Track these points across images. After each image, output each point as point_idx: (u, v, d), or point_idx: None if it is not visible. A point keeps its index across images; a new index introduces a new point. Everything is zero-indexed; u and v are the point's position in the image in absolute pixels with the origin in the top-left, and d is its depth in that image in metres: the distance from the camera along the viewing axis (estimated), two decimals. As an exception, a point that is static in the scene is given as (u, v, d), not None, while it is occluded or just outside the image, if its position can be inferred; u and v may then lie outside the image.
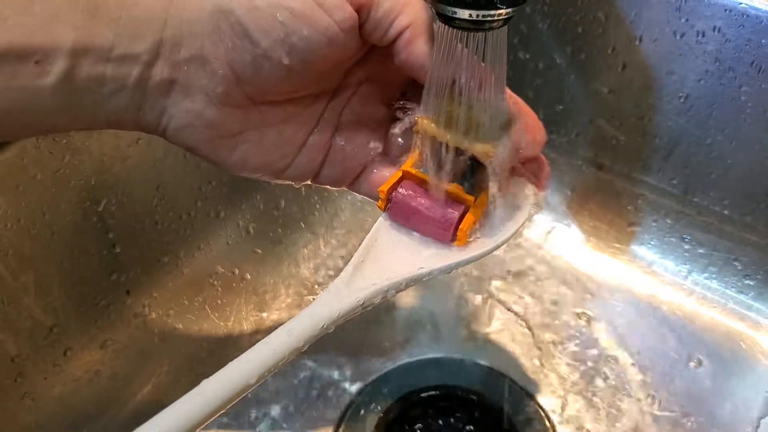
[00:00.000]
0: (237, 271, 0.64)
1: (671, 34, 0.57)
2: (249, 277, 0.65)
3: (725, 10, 0.54)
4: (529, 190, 0.39)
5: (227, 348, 0.62)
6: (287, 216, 0.68)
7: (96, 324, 0.55)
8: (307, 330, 0.33)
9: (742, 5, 0.53)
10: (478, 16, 0.32)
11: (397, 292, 0.36)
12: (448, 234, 0.37)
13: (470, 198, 0.37)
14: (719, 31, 0.55)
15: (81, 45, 0.32)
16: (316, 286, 0.67)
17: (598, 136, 0.66)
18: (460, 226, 0.36)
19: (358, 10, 0.34)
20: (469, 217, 0.37)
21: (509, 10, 0.32)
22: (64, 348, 0.53)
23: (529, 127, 0.37)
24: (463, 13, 0.32)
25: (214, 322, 0.62)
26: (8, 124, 0.33)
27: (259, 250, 0.66)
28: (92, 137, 0.50)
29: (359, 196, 0.73)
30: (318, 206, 0.71)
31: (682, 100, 0.60)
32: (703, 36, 0.56)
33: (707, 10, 0.55)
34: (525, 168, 0.38)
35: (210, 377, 0.31)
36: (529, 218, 0.38)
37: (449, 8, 0.32)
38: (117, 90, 0.33)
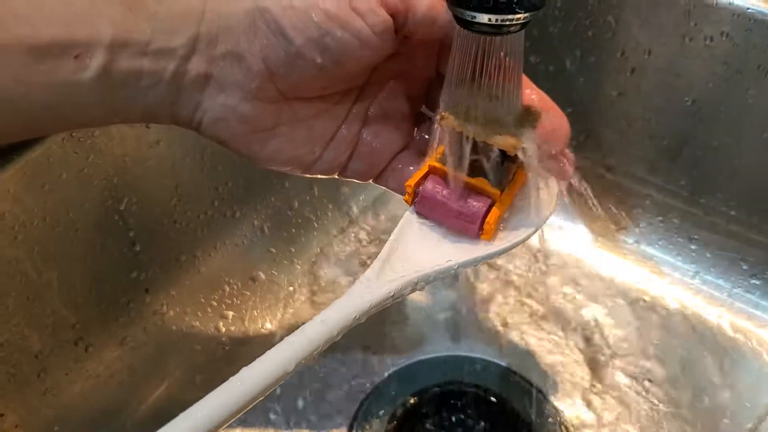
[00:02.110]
0: (252, 270, 0.65)
1: (680, 38, 0.58)
2: (263, 276, 0.66)
3: (733, 14, 0.55)
4: (554, 184, 0.39)
5: (243, 346, 0.63)
6: (301, 216, 0.69)
7: (117, 321, 0.56)
8: (341, 320, 0.33)
9: (750, 10, 0.54)
10: (497, 20, 0.32)
11: (426, 284, 0.37)
12: (474, 227, 0.37)
13: (496, 192, 0.37)
14: (727, 35, 0.56)
15: (119, 39, 0.32)
16: (329, 285, 0.68)
17: (607, 137, 0.67)
18: (487, 220, 0.37)
19: (394, 15, 0.34)
20: (495, 211, 0.37)
21: (527, 14, 0.32)
22: (86, 345, 0.54)
23: (555, 122, 0.37)
24: (483, 18, 0.32)
25: (229, 321, 0.63)
26: (49, 119, 0.33)
27: (274, 250, 0.67)
28: (114, 139, 0.51)
29: (370, 198, 0.74)
30: (330, 207, 0.72)
31: (689, 102, 0.61)
32: (711, 40, 0.57)
33: (715, 15, 0.56)
34: (550, 162, 0.38)
35: (249, 365, 0.31)
36: (554, 212, 0.39)
37: (468, 13, 0.32)
38: (153, 84, 0.34)
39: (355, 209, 0.73)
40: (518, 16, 0.32)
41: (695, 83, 0.60)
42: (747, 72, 0.57)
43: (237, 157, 0.60)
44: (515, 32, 0.33)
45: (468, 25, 0.33)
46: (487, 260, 0.38)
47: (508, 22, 0.32)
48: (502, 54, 0.34)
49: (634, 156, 0.66)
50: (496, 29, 0.33)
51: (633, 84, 0.63)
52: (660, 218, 0.68)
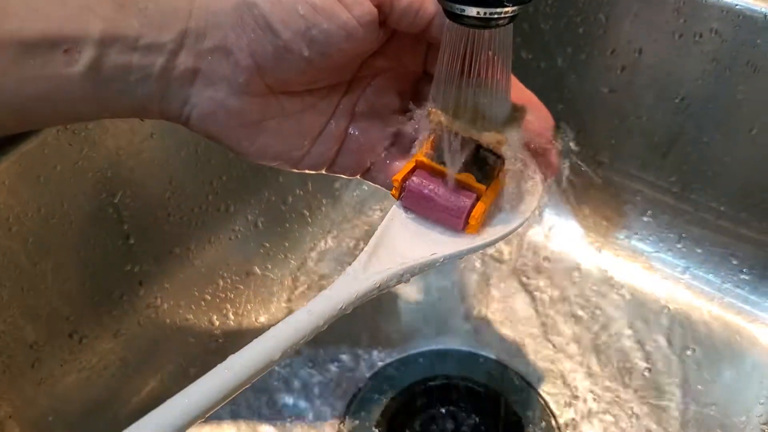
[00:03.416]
0: (245, 264, 0.66)
1: (670, 35, 0.59)
2: (257, 270, 0.66)
3: (722, 11, 0.55)
4: (539, 178, 0.40)
5: (235, 339, 0.63)
6: (294, 211, 0.70)
7: (110, 314, 0.56)
8: (327, 310, 0.34)
9: (738, 6, 0.55)
10: (485, 13, 0.33)
11: (411, 276, 0.37)
12: (459, 222, 0.38)
13: (481, 187, 0.38)
14: (716, 32, 0.56)
15: (109, 34, 0.33)
16: (322, 280, 0.68)
17: (598, 134, 0.67)
18: (472, 214, 0.38)
19: (379, 5, 0.35)
20: (480, 206, 0.38)
21: (515, 7, 0.33)
22: (80, 336, 0.54)
23: (539, 119, 0.38)
24: (471, 11, 0.33)
25: (222, 314, 0.64)
26: (39, 112, 0.34)
27: (267, 244, 0.67)
28: (108, 132, 0.51)
29: (363, 193, 0.75)
30: (324, 202, 0.72)
31: (679, 99, 0.61)
32: (701, 37, 0.57)
33: (704, 12, 0.56)
34: (535, 157, 0.39)
35: (236, 353, 0.32)
36: (539, 207, 0.39)
37: (457, 6, 0.33)
38: (142, 79, 0.34)
39: (348, 204, 0.74)
40: (506, 9, 0.33)
41: (685, 80, 0.60)
42: (736, 68, 0.57)
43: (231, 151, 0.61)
44: (504, 25, 0.34)
45: (457, 18, 0.33)
46: (473, 253, 0.38)
47: (496, 15, 0.33)
48: (490, 48, 0.35)
49: (625, 152, 0.67)
50: (485, 22, 0.33)
51: (624, 81, 0.63)
52: (650, 214, 0.68)
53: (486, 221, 0.39)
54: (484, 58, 0.35)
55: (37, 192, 0.48)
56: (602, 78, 0.64)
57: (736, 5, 0.55)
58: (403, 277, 0.37)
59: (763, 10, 0.54)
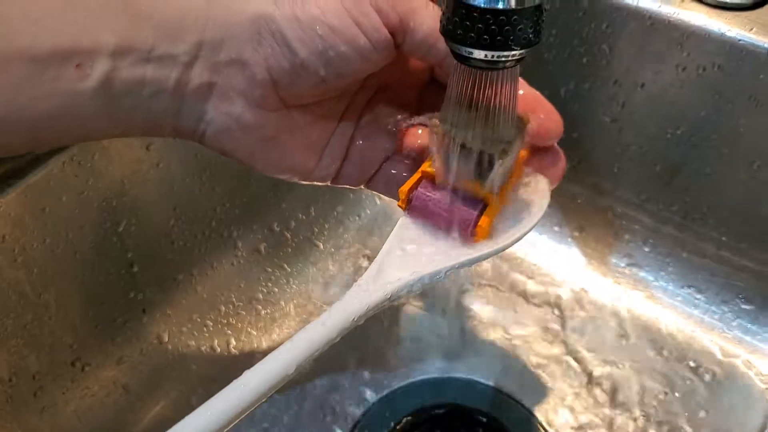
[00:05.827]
0: (248, 290, 0.66)
1: (673, 67, 0.59)
2: (260, 295, 0.66)
3: (725, 45, 0.56)
4: (545, 183, 0.40)
5: (238, 364, 0.62)
6: (297, 236, 0.70)
7: (113, 341, 0.56)
8: (340, 322, 0.34)
9: (742, 41, 0.55)
10: (492, 56, 0.33)
11: (422, 286, 0.37)
12: (467, 231, 0.38)
13: (488, 194, 0.38)
14: (719, 66, 0.57)
15: (122, 47, 0.33)
16: (325, 305, 0.68)
17: (600, 163, 0.68)
18: (479, 222, 0.37)
19: (393, 33, 0.35)
20: (487, 213, 0.38)
21: (522, 51, 0.33)
22: (83, 364, 0.54)
23: (545, 121, 0.38)
24: (479, 54, 0.33)
25: (225, 339, 0.64)
26: (50, 130, 0.34)
27: (270, 269, 0.68)
28: (114, 162, 0.52)
29: (366, 217, 0.75)
30: (327, 227, 0.72)
31: (681, 130, 0.61)
32: (704, 70, 0.58)
33: (708, 46, 0.57)
34: (541, 160, 0.40)
35: (251, 368, 0.32)
36: (545, 211, 0.39)
37: (465, 49, 0.33)
38: (156, 93, 0.34)
39: (351, 229, 0.74)
40: (514, 52, 0.33)
41: (688, 112, 0.60)
42: (738, 102, 0.57)
43: (235, 178, 0.61)
44: (511, 67, 0.34)
45: (465, 60, 0.34)
46: (482, 261, 0.39)
47: (504, 58, 0.33)
48: (497, 85, 0.35)
49: (628, 182, 0.67)
50: (492, 64, 0.33)
51: (626, 111, 0.63)
52: (652, 243, 0.68)
53: (496, 227, 0.39)
54: (492, 95, 0.35)
55: (42, 223, 0.48)
56: (605, 108, 0.64)
57: (740, 40, 0.55)
58: (414, 287, 0.37)
59: (765, 45, 0.54)
